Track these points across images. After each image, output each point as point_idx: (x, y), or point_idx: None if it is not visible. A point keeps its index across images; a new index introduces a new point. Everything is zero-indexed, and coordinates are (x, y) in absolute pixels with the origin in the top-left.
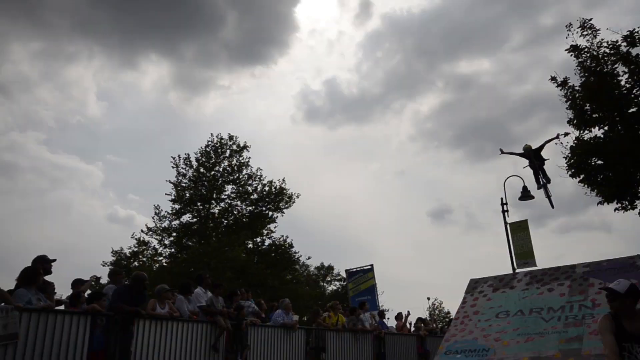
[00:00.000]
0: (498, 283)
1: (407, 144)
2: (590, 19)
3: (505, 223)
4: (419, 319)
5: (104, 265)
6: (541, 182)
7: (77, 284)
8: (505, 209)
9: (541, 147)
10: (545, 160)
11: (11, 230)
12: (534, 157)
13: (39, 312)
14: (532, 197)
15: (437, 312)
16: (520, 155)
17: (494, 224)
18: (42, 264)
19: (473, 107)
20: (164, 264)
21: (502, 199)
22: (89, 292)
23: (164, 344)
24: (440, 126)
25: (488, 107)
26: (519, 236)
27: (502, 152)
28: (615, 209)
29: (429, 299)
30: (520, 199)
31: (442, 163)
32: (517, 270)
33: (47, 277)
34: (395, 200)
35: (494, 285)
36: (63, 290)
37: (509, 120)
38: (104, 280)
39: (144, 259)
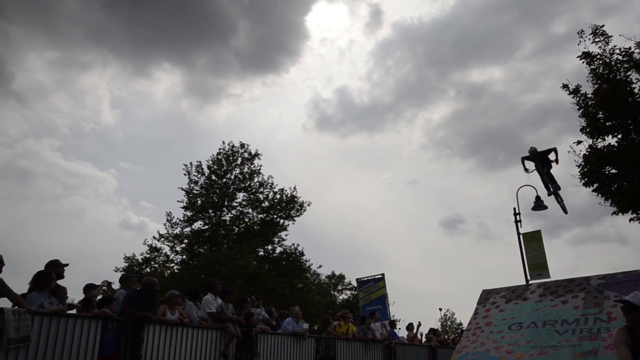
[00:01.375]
0: (511, 294)
1: (418, 153)
2: (602, 26)
3: (518, 233)
4: (431, 330)
5: (116, 271)
6: (551, 189)
7: (89, 288)
8: (518, 219)
9: (548, 151)
10: (552, 162)
11: (26, 235)
12: (540, 161)
13: (51, 316)
14: (546, 207)
15: (449, 323)
16: (527, 158)
17: (507, 234)
18: (55, 269)
19: (485, 116)
20: (175, 271)
21: (514, 208)
22: (100, 296)
23: (173, 349)
24: (452, 135)
25: (500, 116)
26: (532, 247)
27: (527, 170)
28: (631, 219)
29: (440, 309)
30: (533, 209)
31: (454, 172)
32: (530, 282)
33: (59, 282)
34: (407, 209)
35: (506, 297)
36: (76, 295)
37: (522, 129)
38: (116, 285)
39: (156, 265)
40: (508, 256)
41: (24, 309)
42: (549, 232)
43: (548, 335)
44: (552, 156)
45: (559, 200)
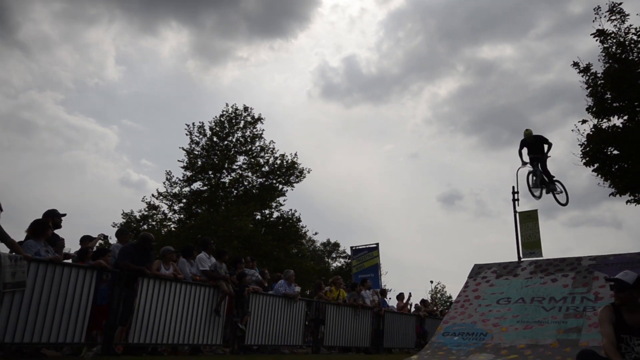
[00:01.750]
0: (502, 270)
1: (422, 127)
2: (620, 3)
3: (515, 212)
4: (422, 301)
5: (113, 226)
6: (546, 179)
7: (85, 240)
8: (516, 197)
9: (544, 140)
10: (546, 154)
11: (26, 186)
12: (533, 147)
13: (47, 264)
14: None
15: (438, 295)
16: (523, 142)
17: (504, 212)
18: (52, 218)
19: (492, 94)
20: (172, 229)
21: (513, 187)
22: (95, 248)
23: (166, 303)
24: (457, 111)
25: (507, 95)
26: (528, 226)
27: (525, 163)
28: (627, 201)
29: (432, 282)
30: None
31: (457, 148)
32: (522, 259)
33: (57, 232)
34: (406, 182)
35: (497, 272)
36: (73, 247)
37: (528, 109)
38: (113, 240)
39: (153, 222)
40: (503, 234)
41: (20, 255)
42: (546, 213)
43: (535, 311)
44: (545, 148)
45: (555, 195)
